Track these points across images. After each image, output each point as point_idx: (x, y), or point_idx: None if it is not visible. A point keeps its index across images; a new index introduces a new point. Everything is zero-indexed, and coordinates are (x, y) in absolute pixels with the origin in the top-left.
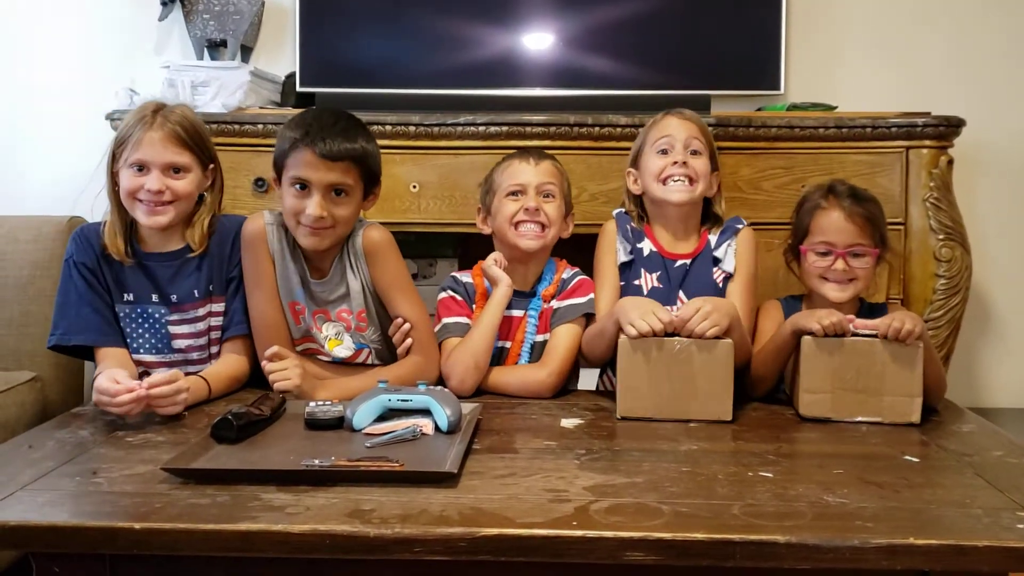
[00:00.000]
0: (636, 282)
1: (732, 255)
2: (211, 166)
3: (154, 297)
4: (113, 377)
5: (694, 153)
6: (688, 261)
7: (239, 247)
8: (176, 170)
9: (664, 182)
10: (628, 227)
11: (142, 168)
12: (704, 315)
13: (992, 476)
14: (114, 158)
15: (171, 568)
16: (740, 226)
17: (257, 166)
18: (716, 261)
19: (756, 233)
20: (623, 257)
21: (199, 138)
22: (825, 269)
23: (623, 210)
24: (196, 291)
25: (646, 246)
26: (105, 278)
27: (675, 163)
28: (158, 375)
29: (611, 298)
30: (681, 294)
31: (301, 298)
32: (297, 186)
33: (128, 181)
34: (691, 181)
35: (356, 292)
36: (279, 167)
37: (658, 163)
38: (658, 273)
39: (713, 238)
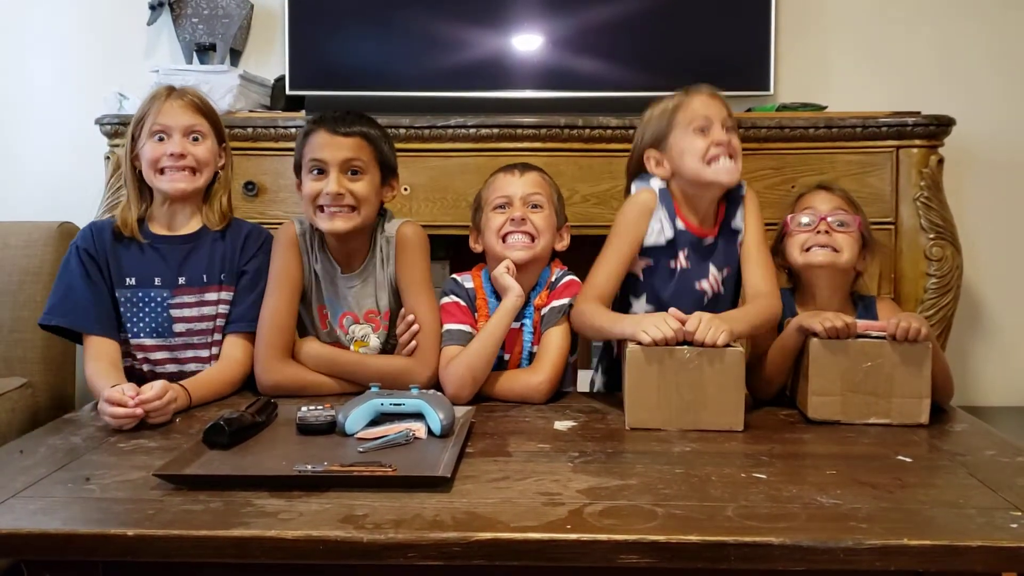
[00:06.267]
0: (671, 264)
1: (743, 221)
2: (223, 144)
3: (157, 280)
4: (123, 391)
5: (729, 130)
6: (713, 239)
7: (252, 242)
8: (195, 138)
9: (710, 163)
10: (671, 206)
11: (162, 137)
12: (709, 324)
13: (985, 476)
14: (133, 141)
15: (164, 574)
16: (743, 192)
17: (247, 169)
18: (736, 232)
19: None
20: (664, 237)
21: (214, 113)
22: (808, 238)
23: (664, 185)
24: (205, 275)
25: (679, 224)
26: (107, 265)
27: (718, 144)
28: (150, 391)
29: (613, 272)
30: (712, 267)
31: (329, 301)
32: (315, 171)
33: (150, 151)
34: (732, 158)
35: (385, 292)
36: (299, 165)
37: (699, 144)
38: (685, 251)
39: (727, 209)
